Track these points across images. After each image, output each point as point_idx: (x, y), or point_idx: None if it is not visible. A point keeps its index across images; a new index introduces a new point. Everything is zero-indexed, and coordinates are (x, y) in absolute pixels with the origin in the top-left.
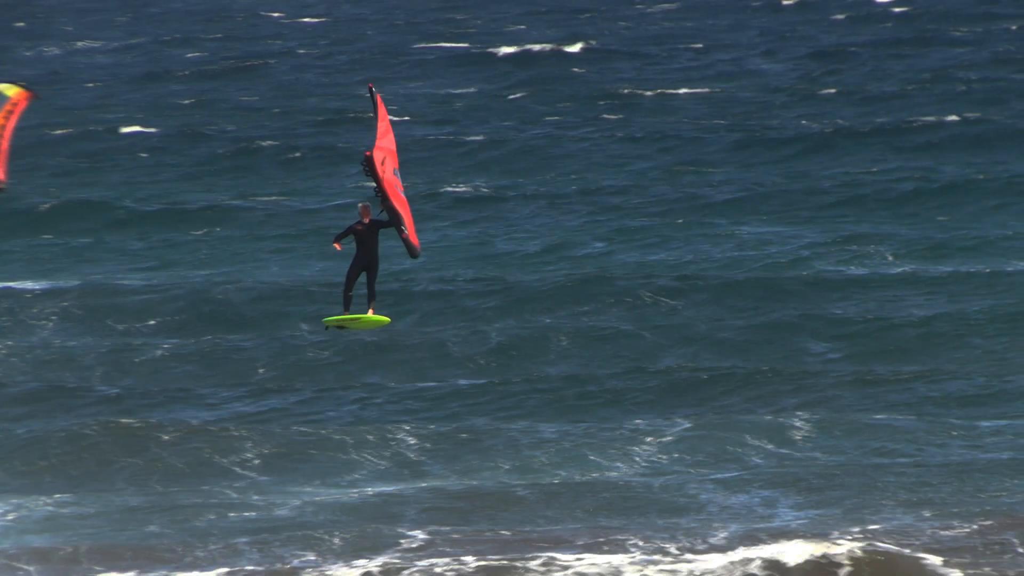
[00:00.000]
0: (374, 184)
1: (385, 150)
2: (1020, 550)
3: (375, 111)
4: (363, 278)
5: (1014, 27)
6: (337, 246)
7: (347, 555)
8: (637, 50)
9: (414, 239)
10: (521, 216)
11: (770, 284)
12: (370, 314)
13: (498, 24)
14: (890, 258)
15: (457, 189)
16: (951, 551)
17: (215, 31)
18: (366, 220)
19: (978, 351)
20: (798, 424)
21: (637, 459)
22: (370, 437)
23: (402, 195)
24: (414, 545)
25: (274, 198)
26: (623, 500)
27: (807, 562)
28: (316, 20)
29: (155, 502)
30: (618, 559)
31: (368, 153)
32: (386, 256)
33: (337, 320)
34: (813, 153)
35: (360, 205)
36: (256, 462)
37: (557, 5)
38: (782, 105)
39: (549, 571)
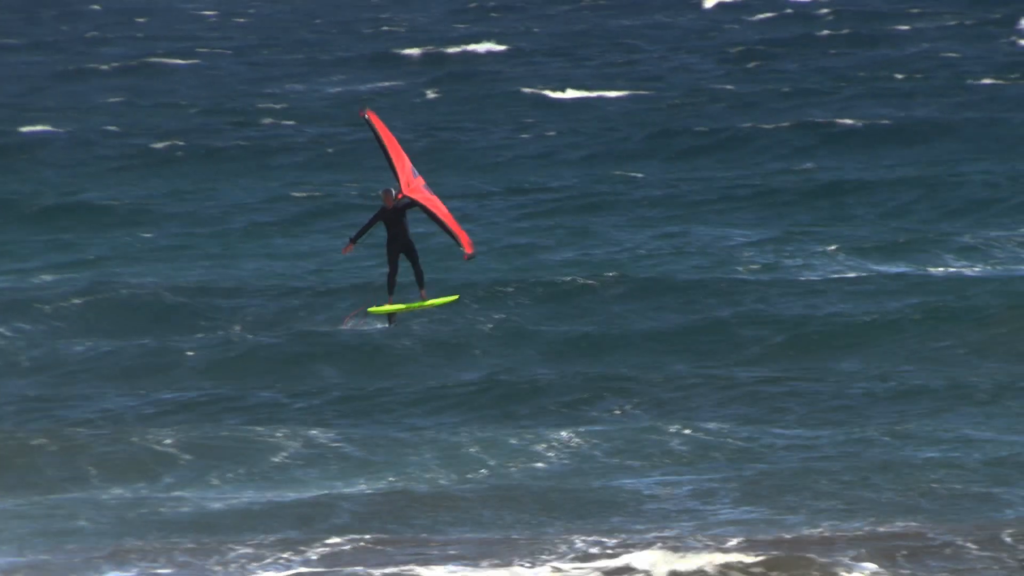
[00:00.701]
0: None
1: (409, 179)
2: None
3: (377, 138)
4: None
5: (934, 26)
6: (346, 250)
7: (255, 561)
8: (560, 48)
9: (465, 243)
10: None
11: (702, 284)
12: (428, 301)
13: (421, 22)
14: (824, 255)
15: (368, 194)
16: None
17: (135, 28)
18: (389, 205)
19: (881, 352)
20: (719, 428)
21: (551, 462)
22: (295, 440)
23: (437, 201)
24: (325, 552)
25: (199, 196)
26: (549, 505)
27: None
28: (241, 19)
29: (76, 503)
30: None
31: (406, 192)
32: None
33: (384, 310)
34: (737, 151)
35: (382, 191)
36: (175, 464)
37: (479, 3)
38: (704, 103)
39: None
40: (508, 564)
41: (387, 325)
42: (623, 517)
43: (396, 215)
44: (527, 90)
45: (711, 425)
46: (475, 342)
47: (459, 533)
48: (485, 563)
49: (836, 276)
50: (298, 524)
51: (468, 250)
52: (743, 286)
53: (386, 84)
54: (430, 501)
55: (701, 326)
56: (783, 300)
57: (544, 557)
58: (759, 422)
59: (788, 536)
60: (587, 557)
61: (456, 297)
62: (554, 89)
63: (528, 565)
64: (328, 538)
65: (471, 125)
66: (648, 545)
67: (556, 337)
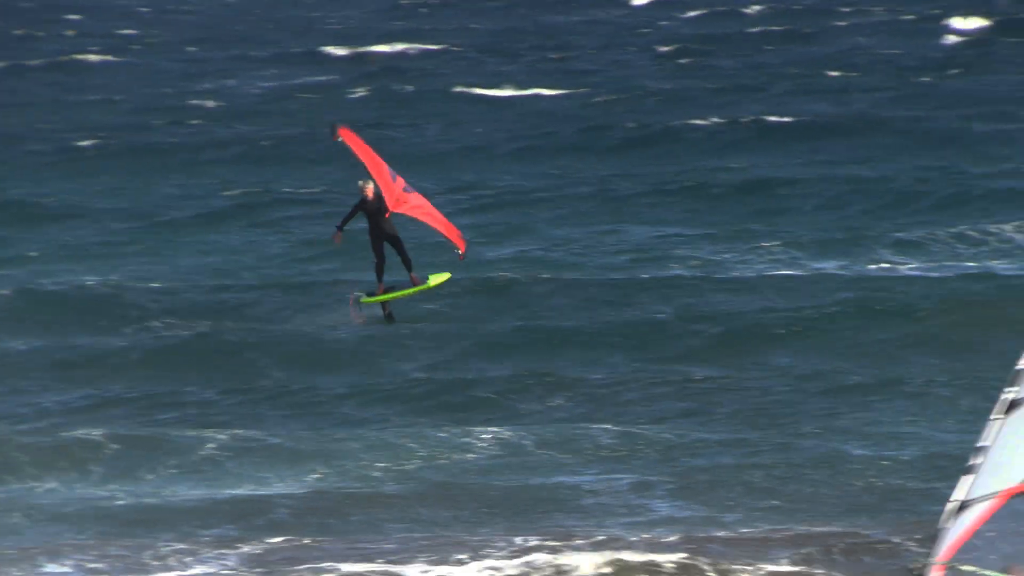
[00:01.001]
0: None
1: (394, 192)
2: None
3: (354, 151)
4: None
5: (866, 21)
6: (336, 238)
7: (190, 556)
8: (493, 45)
9: (459, 242)
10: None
11: (636, 280)
12: (420, 285)
13: (354, 19)
14: (758, 250)
15: (299, 190)
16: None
17: (65, 25)
18: (370, 196)
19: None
20: (653, 424)
21: (486, 458)
22: (228, 436)
23: (426, 205)
24: (260, 549)
25: (130, 193)
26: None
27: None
28: (174, 15)
29: (10, 498)
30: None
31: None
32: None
33: (376, 299)
34: (670, 147)
35: (360, 183)
36: (107, 458)
37: (412, 1)
38: (638, 99)
39: None
40: (445, 562)
41: (384, 314)
42: (561, 514)
43: (377, 205)
44: (460, 88)
45: (645, 421)
46: (410, 337)
47: (396, 531)
48: (422, 561)
49: (770, 272)
50: (233, 520)
51: (462, 248)
52: (677, 282)
53: (318, 79)
54: (366, 498)
55: (635, 322)
56: (717, 296)
57: (482, 554)
58: (693, 417)
59: (725, 534)
60: (525, 553)
61: (448, 276)
62: (487, 86)
63: (466, 563)
64: (263, 535)
65: (403, 122)
66: (587, 543)
67: (491, 332)
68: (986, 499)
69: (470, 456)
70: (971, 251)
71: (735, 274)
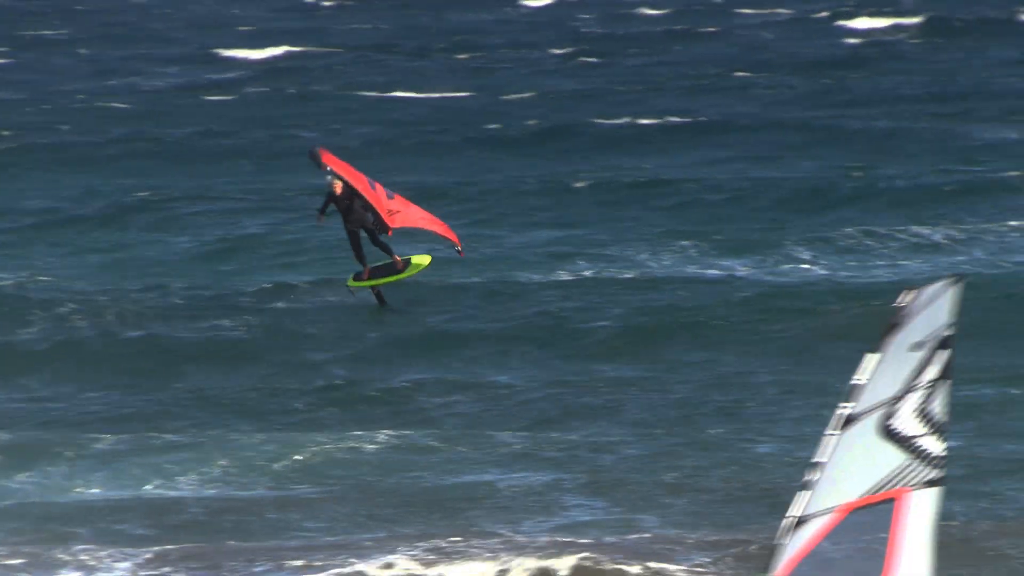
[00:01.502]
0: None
1: (385, 206)
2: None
3: (336, 175)
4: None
5: (768, 20)
6: (320, 221)
7: (97, 558)
8: (391, 45)
9: (455, 239)
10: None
11: (538, 281)
12: (406, 271)
13: (254, 18)
14: (659, 249)
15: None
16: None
17: None
18: (338, 191)
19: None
20: (558, 425)
21: (393, 460)
22: (135, 438)
23: (415, 212)
24: (164, 552)
25: (17, 193)
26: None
27: None
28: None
29: None
30: None
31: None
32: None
33: (364, 284)
34: (573, 146)
35: (328, 178)
36: (9, 457)
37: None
38: (539, 99)
39: None
40: (356, 564)
41: (377, 303)
42: (469, 515)
43: (348, 203)
44: (359, 89)
45: (550, 421)
46: (316, 336)
47: (309, 534)
48: (337, 564)
49: (676, 271)
50: (141, 523)
51: (459, 245)
52: (578, 283)
53: (218, 77)
54: (278, 502)
55: (537, 323)
56: (621, 295)
57: (392, 557)
58: (602, 416)
59: (636, 536)
60: (429, 553)
61: (430, 259)
62: (383, 88)
63: (377, 566)
64: (170, 538)
65: (303, 122)
66: (490, 544)
67: (389, 335)
68: (823, 514)
69: (374, 456)
70: (880, 250)
71: (635, 273)
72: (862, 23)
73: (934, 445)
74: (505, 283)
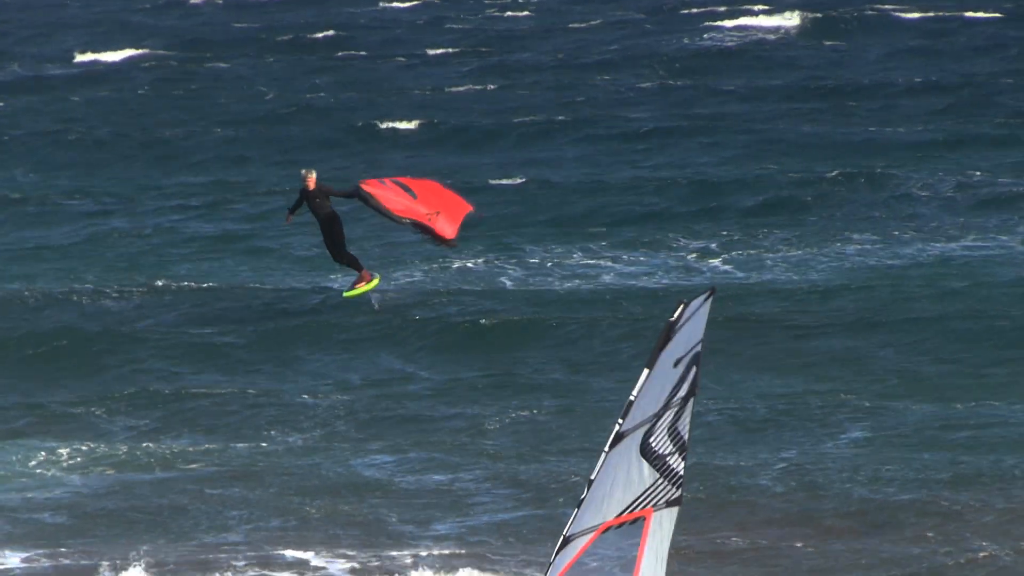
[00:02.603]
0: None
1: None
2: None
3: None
4: None
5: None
6: (288, 220)
7: None
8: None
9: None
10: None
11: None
12: (371, 281)
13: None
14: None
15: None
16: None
17: None
18: (311, 186)
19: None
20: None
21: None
22: None
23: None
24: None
25: None
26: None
27: None
28: None
29: None
30: None
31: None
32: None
33: (358, 293)
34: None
35: (303, 171)
36: None
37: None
38: (355, 105)
39: None
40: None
41: (375, 307)
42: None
43: (318, 195)
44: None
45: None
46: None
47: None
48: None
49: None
50: None
51: (470, 208)
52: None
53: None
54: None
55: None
56: (462, 299)
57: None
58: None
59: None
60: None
61: (378, 278)
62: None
63: None
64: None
65: (182, 117)
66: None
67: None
68: (586, 533)
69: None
70: (711, 252)
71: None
72: (740, 21)
73: (678, 464)
74: (268, 291)
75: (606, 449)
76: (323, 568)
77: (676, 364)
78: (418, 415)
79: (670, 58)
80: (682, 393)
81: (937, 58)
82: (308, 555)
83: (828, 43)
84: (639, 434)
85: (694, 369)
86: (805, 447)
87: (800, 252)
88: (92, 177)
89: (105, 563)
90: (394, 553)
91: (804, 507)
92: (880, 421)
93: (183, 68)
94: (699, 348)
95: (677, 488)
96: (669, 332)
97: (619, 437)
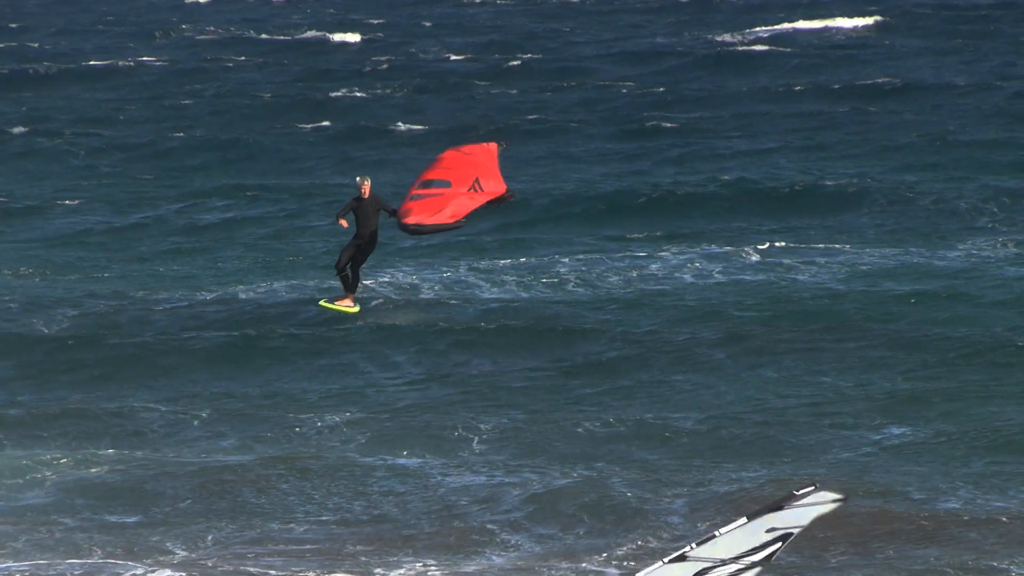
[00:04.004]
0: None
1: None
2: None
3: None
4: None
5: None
6: (343, 222)
7: None
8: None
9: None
10: None
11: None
12: (348, 302)
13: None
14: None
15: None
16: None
17: None
18: (365, 195)
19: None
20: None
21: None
22: None
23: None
24: None
25: None
26: None
27: None
28: None
29: None
30: None
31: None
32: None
33: (334, 309)
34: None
35: (358, 178)
36: None
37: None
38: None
39: None
40: None
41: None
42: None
43: (370, 206)
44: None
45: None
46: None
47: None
48: None
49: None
50: None
51: (506, 191)
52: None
53: None
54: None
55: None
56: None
57: None
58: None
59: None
60: None
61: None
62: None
63: None
64: None
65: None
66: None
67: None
68: None
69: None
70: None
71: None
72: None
73: None
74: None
75: (664, 561)
76: None
77: (769, 531)
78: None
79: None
80: (755, 559)
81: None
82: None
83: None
84: (699, 566)
85: (779, 545)
86: None
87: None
88: None
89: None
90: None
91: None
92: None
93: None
94: (795, 532)
95: None
96: (783, 503)
97: (681, 557)
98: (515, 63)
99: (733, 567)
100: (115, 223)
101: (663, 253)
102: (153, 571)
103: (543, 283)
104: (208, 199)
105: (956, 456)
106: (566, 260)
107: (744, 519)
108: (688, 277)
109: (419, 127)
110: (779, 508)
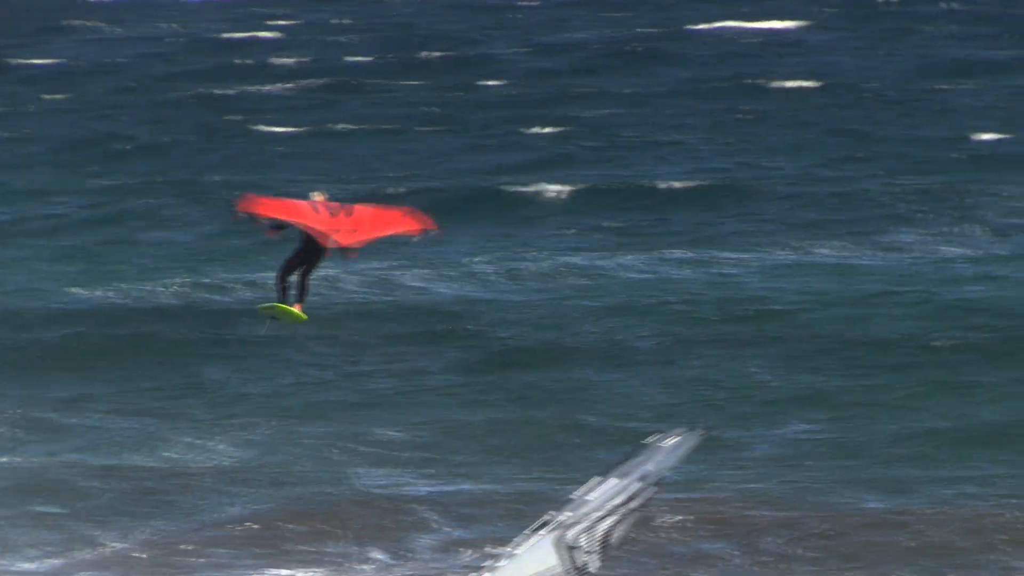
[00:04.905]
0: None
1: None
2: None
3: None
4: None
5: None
6: (271, 234)
7: None
8: None
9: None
10: None
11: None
12: (295, 308)
13: None
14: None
15: None
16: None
17: None
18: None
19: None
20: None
21: None
22: None
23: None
24: None
25: None
26: None
27: None
28: None
29: None
30: None
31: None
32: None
33: (271, 310)
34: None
35: (313, 193)
36: None
37: None
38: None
39: None
40: None
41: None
42: None
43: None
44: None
45: None
46: None
47: None
48: None
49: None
50: None
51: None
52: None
53: None
54: None
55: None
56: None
57: None
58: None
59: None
60: None
61: (306, 318)
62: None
63: None
64: None
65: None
66: None
67: None
68: None
69: None
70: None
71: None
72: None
73: (595, 563)
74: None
75: (528, 531)
76: None
77: (638, 479)
78: None
79: None
80: (632, 506)
81: None
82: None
83: None
84: (562, 527)
85: (652, 490)
86: None
87: None
88: None
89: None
90: None
91: None
92: None
93: None
94: (668, 474)
95: None
96: (636, 452)
97: (544, 524)
98: (424, 57)
99: (610, 518)
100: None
101: (579, 251)
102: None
103: (447, 278)
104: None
105: (858, 454)
106: (475, 259)
107: (597, 477)
108: (607, 273)
109: (282, 129)
110: (631, 459)
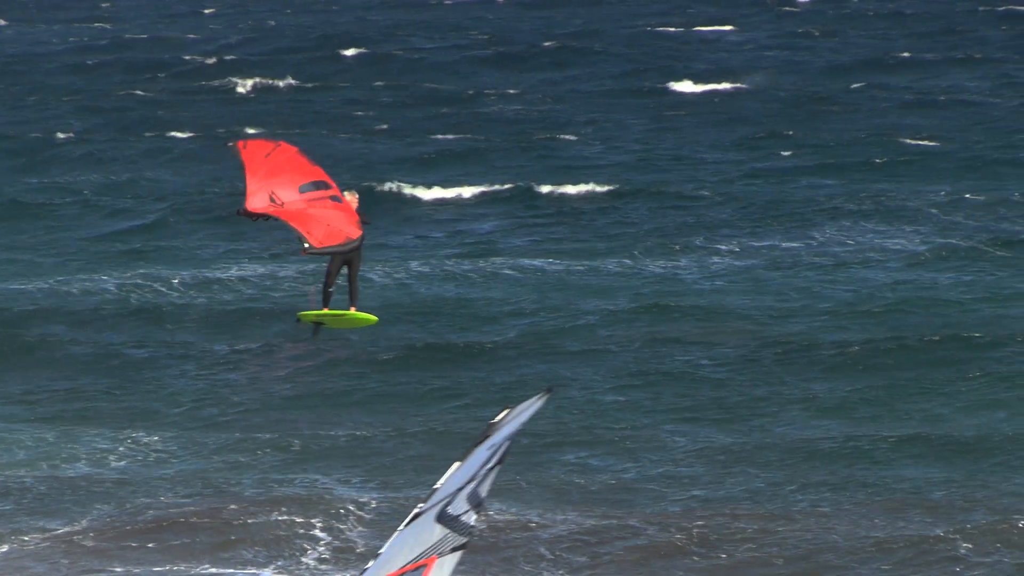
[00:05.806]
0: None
1: (268, 186)
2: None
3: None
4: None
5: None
6: (250, 217)
7: None
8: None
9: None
10: None
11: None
12: (354, 311)
13: None
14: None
15: None
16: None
17: None
18: (354, 205)
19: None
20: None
21: None
22: None
23: (329, 204)
24: None
25: None
26: None
27: None
28: None
29: None
30: None
31: (239, 211)
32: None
33: (315, 315)
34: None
35: (345, 193)
36: None
37: None
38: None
39: None
40: None
41: (312, 334)
42: None
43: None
44: None
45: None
46: None
47: None
48: None
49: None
50: None
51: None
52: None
53: None
54: None
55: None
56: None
57: None
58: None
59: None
60: None
61: (376, 319)
62: None
63: None
64: None
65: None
66: None
67: None
68: None
69: None
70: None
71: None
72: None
73: (471, 518)
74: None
75: (401, 528)
76: None
77: (491, 448)
78: None
79: None
80: (490, 465)
81: None
82: None
83: None
84: (438, 507)
85: (506, 445)
86: None
87: None
88: None
89: None
90: None
91: None
92: None
93: None
94: (517, 431)
95: (465, 536)
96: (488, 432)
97: (417, 515)
98: (347, 55)
99: (473, 483)
100: None
101: (522, 253)
102: None
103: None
104: None
105: (772, 462)
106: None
107: (456, 463)
108: (552, 276)
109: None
110: (486, 439)
